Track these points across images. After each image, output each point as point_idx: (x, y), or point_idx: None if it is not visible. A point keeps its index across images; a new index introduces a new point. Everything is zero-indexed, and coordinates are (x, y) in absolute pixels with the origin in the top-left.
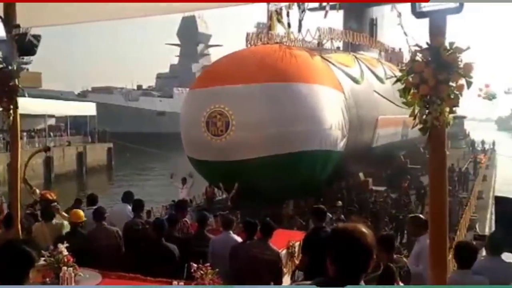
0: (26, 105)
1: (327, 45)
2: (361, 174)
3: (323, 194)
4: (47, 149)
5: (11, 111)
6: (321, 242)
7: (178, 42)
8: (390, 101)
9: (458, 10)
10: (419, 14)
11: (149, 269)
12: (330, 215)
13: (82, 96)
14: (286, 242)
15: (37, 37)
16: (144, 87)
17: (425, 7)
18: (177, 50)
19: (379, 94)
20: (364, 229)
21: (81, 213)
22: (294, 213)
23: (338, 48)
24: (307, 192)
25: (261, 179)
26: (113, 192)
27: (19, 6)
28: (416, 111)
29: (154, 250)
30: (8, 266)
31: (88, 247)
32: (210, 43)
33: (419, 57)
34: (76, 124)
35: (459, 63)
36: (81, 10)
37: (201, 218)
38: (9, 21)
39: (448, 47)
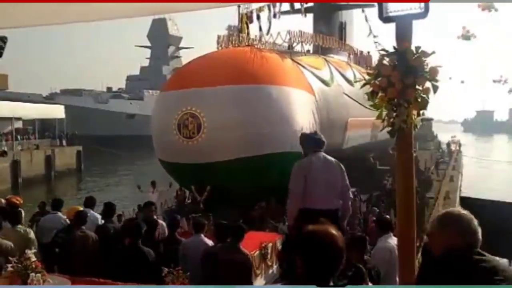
0: None
1: (298, 48)
2: None
3: None
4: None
5: None
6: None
7: (149, 44)
8: (359, 103)
9: (423, 15)
10: (385, 19)
11: (125, 273)
12: None
13: (50, 99)
14: (258, 244)
15: (3, 39)
16: (114, 89)
17: (392, 12)
18: (147, 52)
19: (349, 96)
20: (334, 231)
21: (80, 209)
22: (266, 215)
23: (308, 51)
24: (279, 194)
25: (233, 181)
26: (82, 195)
27: None
28: (384, 114)
29: (130, 253)
30: None
31: (66, 251)
32: (181, 45)
33: (386, 61)
34: (44, 127)
35: (425, 67)
36: (49, 12)
37: (172, 221)
38: None
39: (414, 51)
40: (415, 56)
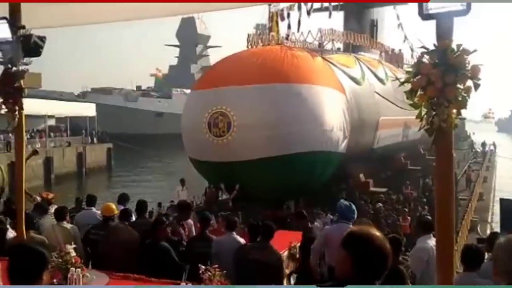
0: (26, 105)
1: (328, 46)
2: (361, 175)
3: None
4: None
5: (16, 112)
6: None
7: (177, 43)
8: (391, 102)
9: (465, 12)
10: (426, 16)
11: (146, 269)
12: (331, 216)
13: (82, 97)
14: (287, 243)
15: (42, 39)
16: (143, 87)
17: (432, 9)
18: (176, 51)
19: (380, 95)
20: (380, 234)
21: (113, 206)
22: (295, 214)
23: (339, 49)
24: (308, 193)
25: (262, 180)
26: (112, 192)
27: (24, 6)
28: (423, 113)
29: (152, 250)
30: (22, 266)
31: (107, 246)
32: (209, 44)
33: (426, 58)
34: (76, 125)
35: (467, 65)
36: (84, 12)
37: (203, 219)
38: (15, 22)
39: (455, 49)
40: (456, 54)
